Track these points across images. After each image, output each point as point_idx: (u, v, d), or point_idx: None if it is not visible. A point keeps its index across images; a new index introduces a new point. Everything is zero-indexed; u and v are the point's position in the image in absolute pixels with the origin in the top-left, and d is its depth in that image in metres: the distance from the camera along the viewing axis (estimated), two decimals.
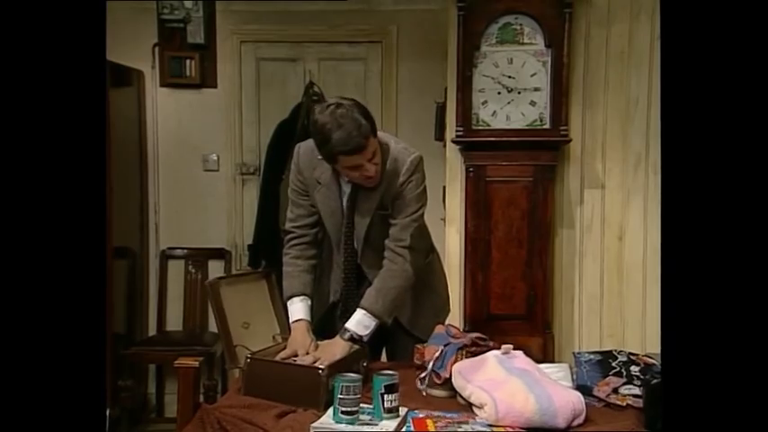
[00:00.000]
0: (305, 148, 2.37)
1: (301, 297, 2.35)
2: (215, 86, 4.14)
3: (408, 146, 2.33)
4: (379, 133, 2.24)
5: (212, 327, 4.08)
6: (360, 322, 2.22)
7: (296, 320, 2.31)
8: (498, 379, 1.93)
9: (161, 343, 3.99)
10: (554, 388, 1.90)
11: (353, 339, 2.20)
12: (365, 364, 2.23)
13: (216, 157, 4.20)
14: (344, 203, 2.34)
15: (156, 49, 4.08)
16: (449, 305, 2.66)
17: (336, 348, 2.19)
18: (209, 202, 4.22)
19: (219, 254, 4.22)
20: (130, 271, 4.06)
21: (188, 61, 4.03)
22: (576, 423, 1.84)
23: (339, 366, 2.06)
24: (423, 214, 2.33)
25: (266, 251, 3.94)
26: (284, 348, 2.25)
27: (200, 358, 2.07)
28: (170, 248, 4.23)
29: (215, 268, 4.19)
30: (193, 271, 4.20)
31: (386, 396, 1.87)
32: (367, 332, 2.22)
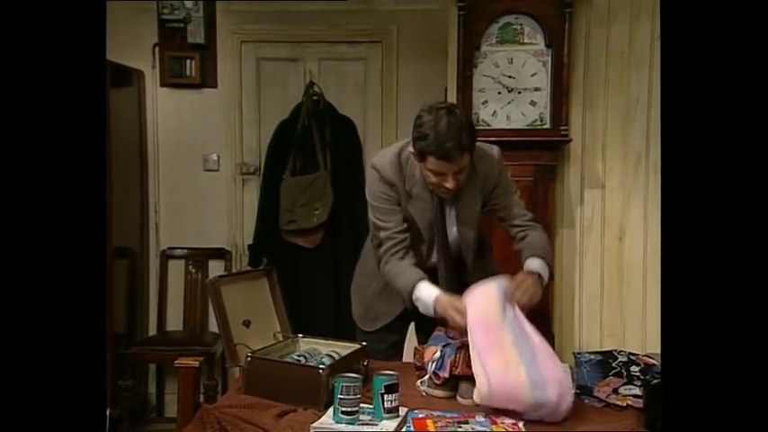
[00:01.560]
0: (388, 161, 2.33)
1: (424, 280, 2.25)
2: (215, 86, 4.13)
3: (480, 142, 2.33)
4: None
5: (212, 326, 4.08)
6: (541, 266, 2.27)
7: (435, 297, 2.19)
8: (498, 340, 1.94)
9: (161, 343, 3.98)
10: (543, 359, 1.92)
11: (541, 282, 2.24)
12: (365, 363, 2.24)
13: (216, 157, 4.20)
14: (442, 213, 2.36)
15: (157, 48, 4.07)
16: None
17: (529, 280, 2.18)
18: (209, 202, 4.22)
19: (220, 254, 4.22)
20: (131, 271, 4.06)
21: (188, 61, 4.03)
22: (565, 402, 1.85)
23: (339, 366, 2.06)
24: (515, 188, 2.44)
25: (267, 251, 3.94)
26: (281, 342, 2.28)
27: (201, 358, 2.07)
28: (170, 248, 4.23)
29: (215, 268, 4.19)
30: (194, 271, 4.19)
31: (386, 396, 1.87)
32: (546, 276, 2.27)
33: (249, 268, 3.91)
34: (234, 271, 4.13)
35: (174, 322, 4.19)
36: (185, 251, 4.22)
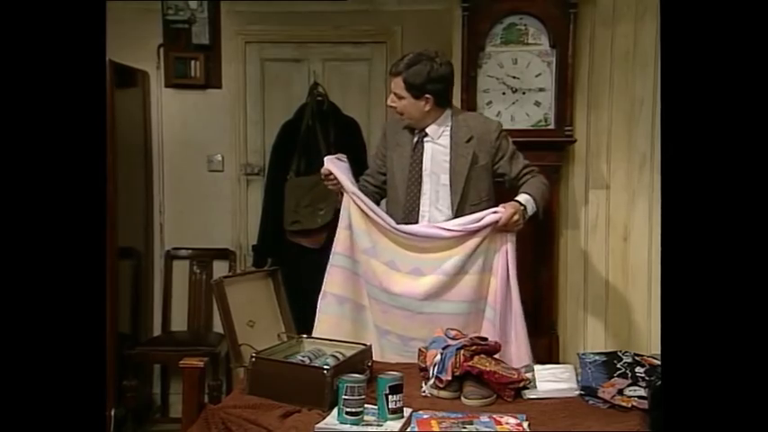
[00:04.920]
0: (392, 119, 2.80)
1: None
2: (220, 87, 4.13)
3: None
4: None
5: (217, 327, 4.08)
6: (527, 201, 2.54)
7: None
8: None
9: (166, 343, 3.99)
10: None
11: (524, 213, 2.51)
12: (369, 364, 2.24)
13: (220, 158, 4.20)
14: (418, 162, 2.67)
15: (161, 49, 4.07)
16: None
17: (515, 211, 2.48)
18: (213, 203, 4.22)
19: (224, 254, 4.22)
20: (135, 271, 4.06)
21: (193, 62, 4.03)
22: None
23: (344, 367, 2.07)
24: (523, 157, 2.69)
25: (271, 252, 3.94)
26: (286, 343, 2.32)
27: (205, 359, 2.08)
28: (175, 249, 4.23)
29: (219, 268, 4.18)
30: (198, 271, 4.20)
31: (390, 397, 1.87)
32: (530, 211, 2.53)
33: (253, 269, 3.91)
34: (238, 271, 4.13)
35: (179, 322, 4.19)
36: (190, 251, 4.22)
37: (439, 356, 2.12)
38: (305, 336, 2.47)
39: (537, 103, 3.30)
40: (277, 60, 4.12)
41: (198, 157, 4.20)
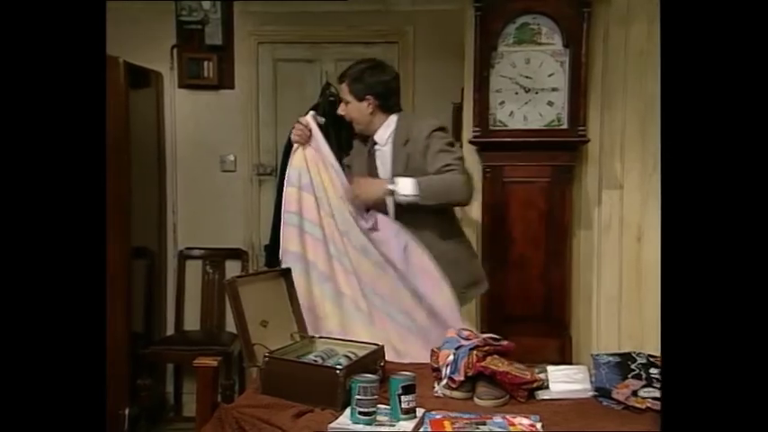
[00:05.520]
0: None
1: None
2: (232, 87, 4.14)
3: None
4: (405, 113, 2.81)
5: (230, 326, 4.10)
6: (405, 183, 2.56)
7: None
8: None
9: (179, 342, 4.01)
10: None
11: (390, 192, 2.58)
12: (382, 364, 2.24)
13: (233, 158, 4.21)
14: (373, 168, 2.75)
15: (175, 50, 4.09)
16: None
17: (374, 186, 2.61)
18: (226, 203, 4.23)
19: (236, 254, 4.23)
20: (149, 271, 4.08)
21: (206, 63, 4.05)
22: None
23: (356, 367, 2.07)
24: (460, 161, 2.65)
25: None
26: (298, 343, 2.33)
27: (219, 358, 2.08)
28: (188, 248, 4.25)
29: (232, 268, 4.20)
30: (211, 271, 4.21)
31: (403, 397, 1.87)
32: (403, 191, 2.56)
33: (266, 269, 3.91)
34: (251, 271, 4.14)
35: (192, 322, 4.21)
36: (203, 251, 4.24)
37: (452, 357, 2.11)
38: (317, 336, 2.47)
39: (550, 103, 3.28)
40: (289, 61, 4.14)
41: (211, 158, 4.21)
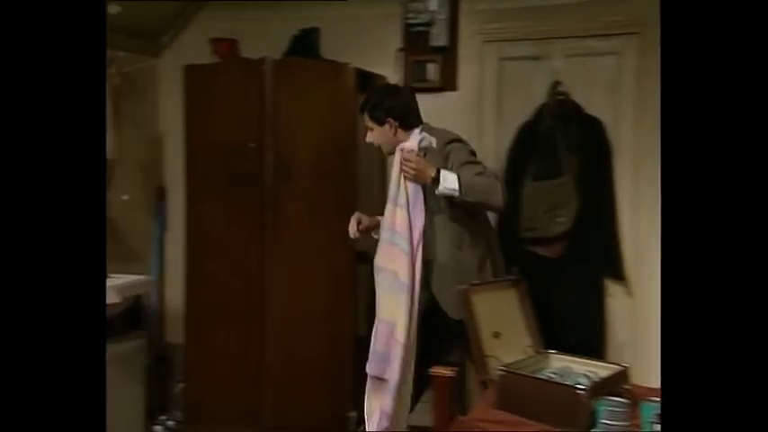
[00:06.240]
0: None
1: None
2: (455, 89, 4.06)
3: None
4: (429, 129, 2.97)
5: None
6: (449, 176, 2.69)
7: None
8: None
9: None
10: None
11: (435, 180, 2.70)
12: (628, 387, 2.06)
13: None
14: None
15: (399, 54, 4.09)
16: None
17: (428, 169, 2.72)
18: None
19: None
20: (372, 276, 4.10)
21: (430, 65, 4.01)
22: None
23: (599, 388, 1.93)
24: (482, 168, 2.85)
25: (506, 260, 3.79)
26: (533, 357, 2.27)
27: (456, 368, 2.01)
28: None
29: None
30: None
31: (657, 426, 1.69)
32: (446, 185, 2.68)
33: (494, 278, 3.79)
34: (477, 282, 4.02)
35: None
36: None
37: None
38: (552, 351, 2.33)
39: None
40: (515, 59, 3.96)
41: None
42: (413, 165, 2.71)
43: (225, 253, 3.83)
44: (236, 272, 3.83)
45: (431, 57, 4.00)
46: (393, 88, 3.07)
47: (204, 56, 4.00)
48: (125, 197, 4.06)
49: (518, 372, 2.04)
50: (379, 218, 2.98)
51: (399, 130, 2.92)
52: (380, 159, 4.17)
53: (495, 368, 2.04)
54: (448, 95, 4.05)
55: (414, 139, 2.81)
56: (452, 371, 1.93)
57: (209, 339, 3.90)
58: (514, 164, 3.81)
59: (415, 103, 3.01)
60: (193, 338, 3.94)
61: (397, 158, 2.78)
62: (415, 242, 2.71)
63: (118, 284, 3.62)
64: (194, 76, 3.86)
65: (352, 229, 2.99)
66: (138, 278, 3.90)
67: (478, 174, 2.75)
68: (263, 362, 3.78)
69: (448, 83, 4.04)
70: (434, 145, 2.79)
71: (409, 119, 2.94)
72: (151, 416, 4.04)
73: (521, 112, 3.88)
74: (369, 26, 4.05)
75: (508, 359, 2.12)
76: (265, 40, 3.99)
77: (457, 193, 2.68)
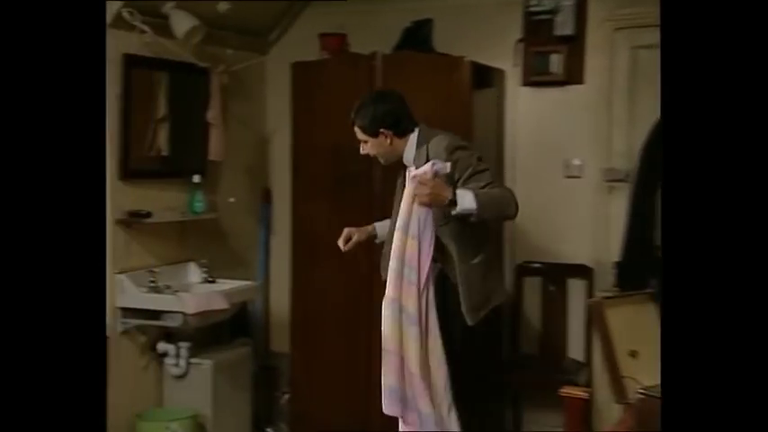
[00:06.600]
0: None
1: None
2: (581, 82, 3.79)
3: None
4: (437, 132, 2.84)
5: (572, 352, 3.72)
6: (466, 196, 2.54)
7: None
8: None
9: (516, 366, 3.79)
10: None
11: (452, 204, 2.54)
12: None
13: (579, 162, 3.84)
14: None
15: (519, 45, 3.85)
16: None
17: (444, 193, 2.54)
18: (570, 213, 3.87)
19: (581, 271, 3.82)
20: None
21: (553, 56, 3.76)
22: None
23: None
24: (490, 176, 2.76)
25: (638, 270, 3.43)
26: None
27: (590, 389, 1.76)
28: (526, 263, 3.93)
29: (575, 287, 3.82)
30: (552, 289, 3.86)
31: None
32: (464, 206, 2.53)
33: (617, 291, 3.45)
34: (596, 293, 3.69)
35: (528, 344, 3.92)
36: (543, 266, 3.90)
37: None
38: None
39: None
40: (651, 47, 3.60)
41: (553, 162, 3.89)
42: (428, 190, 2.55)
43: (332, 257, 3.67)
44: (344, 277, 3.71)
45: (555, 47, 3.78)
46: (379, 95, 2.94)
47: (313, 52, 3.93)
48: (231, 200, 3.98)
49: (659, 396, 1.76)
50: (376, 225, 3.07)
51: (395, 139, 2.83)
52: (495, 157, 3.93)
53: (634, 391, 1.85)
54: (573, 89, 3.82)
55: (426, 166, 2.60)
56: (585, 392, 1.68)
57: (315, 348, 3.81)
58: (649, 164, 3.48)
59: (407, 106, 2.87)
60: (299, 347, 3.88)
61: (409, 187, 2.61)
62: (424, 272, 2.62)
63: (225, 290, 3.57)
64: (302, 72, 3.79)
65: (341, 244, 2.99)
66: (245, 284, 3.87)
67: (489, 184, 2.70)
68: (371, 372, 3.59)
69: (573, 75, 3.79)
70: (448, 170, 2.59)
71: (402, 125, 2.84)
72: (257, 425, 3.95)
73: (656, 107, 3.50)
74: (486, 15, 3.89)
75: (648, 381, 1.88)
76: (375, 34, 3.89)
77: (475, 212, 2.57)
